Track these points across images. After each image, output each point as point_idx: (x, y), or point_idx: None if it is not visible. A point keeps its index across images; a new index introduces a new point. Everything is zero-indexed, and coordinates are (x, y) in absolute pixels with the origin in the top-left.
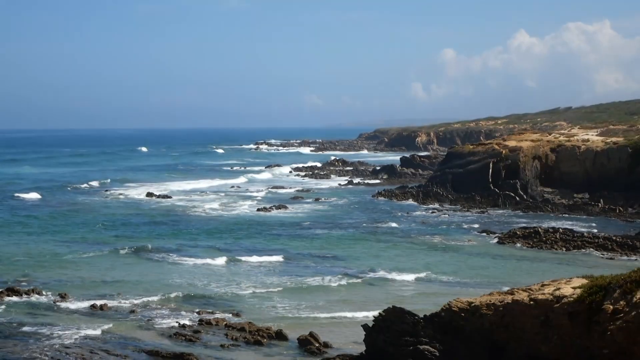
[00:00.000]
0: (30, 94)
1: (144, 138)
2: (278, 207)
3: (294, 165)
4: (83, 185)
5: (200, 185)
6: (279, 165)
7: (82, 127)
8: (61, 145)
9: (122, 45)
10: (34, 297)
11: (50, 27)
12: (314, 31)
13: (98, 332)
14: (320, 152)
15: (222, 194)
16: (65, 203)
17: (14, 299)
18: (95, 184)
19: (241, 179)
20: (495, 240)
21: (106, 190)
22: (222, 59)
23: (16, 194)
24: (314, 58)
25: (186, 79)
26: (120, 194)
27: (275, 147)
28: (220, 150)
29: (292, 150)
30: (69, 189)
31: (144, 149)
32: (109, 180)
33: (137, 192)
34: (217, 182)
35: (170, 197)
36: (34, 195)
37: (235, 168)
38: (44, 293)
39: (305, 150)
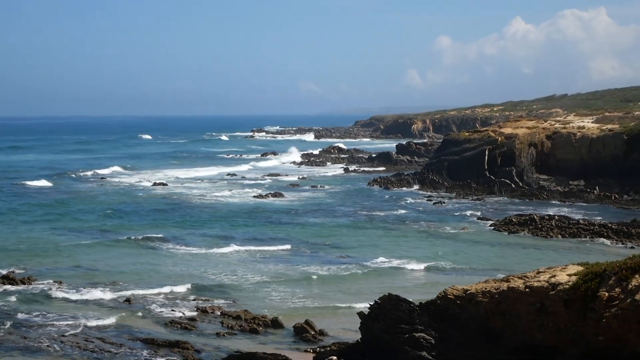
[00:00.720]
0: (26, 81)
1: (142, 125)
2: (274, 195)
3: (290, 153)
4: (84, 173)
5: (198, 174)
6: (274, 153)
7: (78, 114)
8: (61, 133)
9: (119, 32)
10: (29, 285)
11: (47, 15)
12: (311, 18)
13: (93, 320)
14: (318, 140)
15: (219, 182)
16: (69, 191)
17: (9, 286)
18: (98, 171)
19: (237, 167)
20: (491, 227)
21: (102, 179)
22: (219, 46)
23: (23, 182)
24: (311, 45)
25: (182, 66)
26: (121, 181)
27: (271, 135)
28: (224, 137)
29: (287, 137)
30: (73, 176)
31: (147, 136)
32: (115, 168)
33: (137, 180)
34: (213, 170)
35: (166, 185)
36: (41, 183)
37: (231, 156)
38: (39, 281)
39: (305, 137)
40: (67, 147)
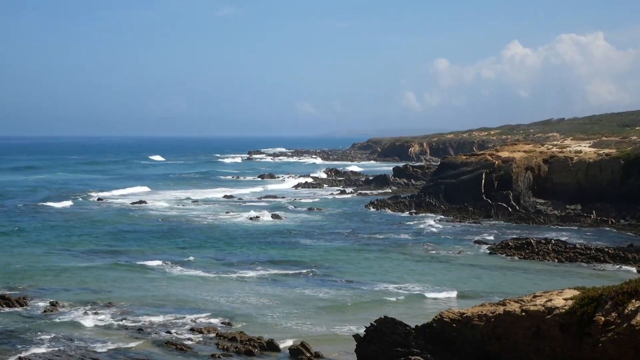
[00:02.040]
0: (22, 100)
1: (145, 146)
2: (272, 217)
3: (288, 175)
4: (85, 195)
5: (195, 195)
6: (271, 176)
7: (74, 134)
8: (68, 153)
9: (115, 52)
10: (25, 305)
11: (44, 33)
12: (307, 39)
13: (88, 340)
14: (325, 161)
15: (216, 204)
16: (72, 212)
17: (4, 306)
18: (100, 193)
19: (233, 189)
20: (488, 251)
21: (100, 199)
22: (216, 67)
23: (46, 203)
24: (308, 66)
25: (179, 86)
26: (122, 202)
27: (271, 157)
28: (227, 160)
29: (285, 159)
30: (77, 198)
31: (159, 158)
32: (126, 190)
33: (135, 200)
34: (211, 192)
35: (164, 205)
36: (64, 204)
37: (228, 177)
38: (34, 301)
39: (308, 160)
40: (80, 167)
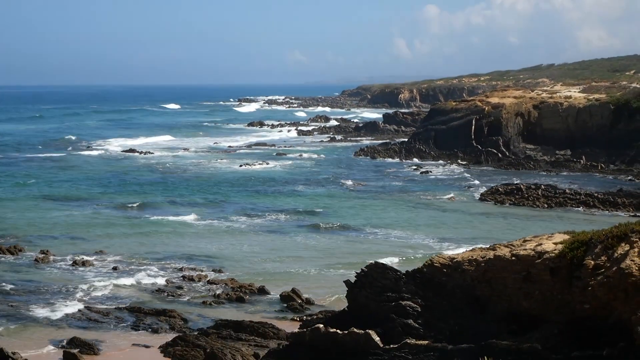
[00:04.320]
0: (20, 47)
1: (155, 95)
2: (261, 163)
3: (277, 122)
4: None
5: (183, 144)
6: (260, 123)
7: (70, 84)
8: (80, 102)
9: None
10: (17, 254)
11: None
12: None
13: (79, 289)
14: (304, 109)
15: (205, 152)
16: (59, 161)
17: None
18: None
19: (223, 137)
20: (478, 196)
21: (89, 148)
22: (205, 17)
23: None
24: (298, 15)
25: (169, 34)
26: (114, 150)
27: (259, 105)
28: (243, 109)
29: (275, 107)
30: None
31: (175, 106)
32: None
33: (124, 148)
34: (199, 140)
35: (153, 154)
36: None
37: (217, 125)
38: (26, 250)
39: (293, 109)
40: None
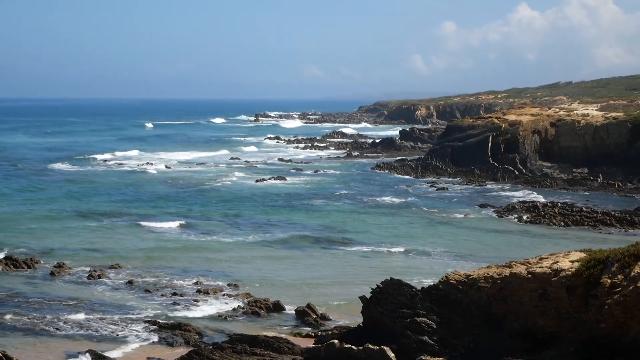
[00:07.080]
0: (20, 63)
1: (150, 108)
2: (277, 178)
3: (293, 137)
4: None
5: (200, 157)
6: (278, 138)
7: (73, 97)
8: (57, 115)
9: (118, 15)
10: (33, 267)
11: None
12: (314, 2)
13: (95, 300)
14: (320, 124)
15: (222, 166)
16: (79, 174)
17: (12, 267)
18: (103, 155)
19: (240, 151)
20: (494, 214)
21: (105, 161)
22: (222, 30)
23: (48, 165)
24: (315, 29)
25: (185, 49)
26: (127, 164)
27: (275, 120)
28: (225, 122)
29: (291, 122)
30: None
31: (150, 124)
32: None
33: (143, 162)
34: (216, 154)
35: (170, 168)
36: (63, 166)
37: (235, 139)
38: (42, 262)
39: (309, 123)
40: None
